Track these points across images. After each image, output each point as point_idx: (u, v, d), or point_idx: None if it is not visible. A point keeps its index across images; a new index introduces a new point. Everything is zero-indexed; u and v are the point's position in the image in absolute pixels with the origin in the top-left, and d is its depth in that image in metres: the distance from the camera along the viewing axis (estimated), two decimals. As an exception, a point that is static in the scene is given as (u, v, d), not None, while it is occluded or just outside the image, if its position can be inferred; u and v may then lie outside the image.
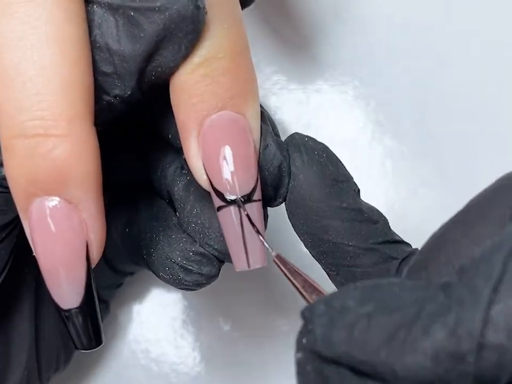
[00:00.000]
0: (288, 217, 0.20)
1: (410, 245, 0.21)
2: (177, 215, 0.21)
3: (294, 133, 0.21)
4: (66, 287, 0.18)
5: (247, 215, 0.19)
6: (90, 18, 0.17)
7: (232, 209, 0.19)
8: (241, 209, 0.19)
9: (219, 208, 0.19)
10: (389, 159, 0.32)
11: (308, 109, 0.33)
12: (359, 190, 0.21)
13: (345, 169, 0.21)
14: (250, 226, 0.19)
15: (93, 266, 0.18)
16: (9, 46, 0.16)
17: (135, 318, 0.31)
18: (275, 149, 0.19)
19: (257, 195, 0.19)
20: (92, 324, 0.19)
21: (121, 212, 0.25)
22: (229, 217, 0.19)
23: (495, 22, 0.34)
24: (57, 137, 0.16)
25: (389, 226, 0.21)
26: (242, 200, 0.18)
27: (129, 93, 0.18)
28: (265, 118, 0.20)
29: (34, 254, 0.18)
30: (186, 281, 0.21)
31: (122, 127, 0.21)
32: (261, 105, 0.20)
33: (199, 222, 0.21)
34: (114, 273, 0.28)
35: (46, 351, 0.26)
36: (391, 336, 0.13)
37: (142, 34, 0.17)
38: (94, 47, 0.17)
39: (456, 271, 0.15)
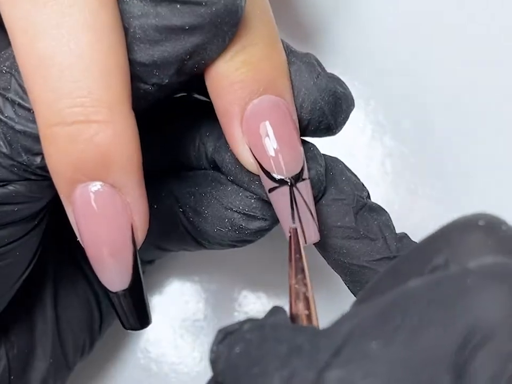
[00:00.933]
0: None
1: None
2: (232, 178, 0.21)
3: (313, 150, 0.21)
4: (114, 270, 0.18)
5: (300, 194, 0.19)
6: (130, 11, 0.17)
7: (283, 189, 0.19)
8: (293, 188, 0.19)
9: (270, 190, 0.19)
10: (389, 159, 0.32)
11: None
12: (364, 204, 0.21)
13: (350, 185, 0.21)
14: (303, 204, 0.19)
15: (138, 248, 0.18)
16: (43, 35, 0.16)
17: (135, 318, 0.31)
18: (326, 78, 0.20)
19: (306, 173, 0.19)
20: (139, 305, 0.19)
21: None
22: (282, 197, 0.19)
23: (495, 22, 0.34)
24: (99, 123, 0.16)
25: (391, 243, 0.21)
26: (293, 180, 0.19)
27: (166, 81, 0.18)
28: (306, 55, 0.20)
29: (79, 239, 0.18)
30: (248, 229, 0.21)
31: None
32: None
33: (258, 179, 0.21)
34: None
35: (70, 338, 0.26)
36: (250, 369, 0.13)
37: (187, 27, 0.17)
38: (134, 38, 0.17)
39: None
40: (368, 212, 0.21)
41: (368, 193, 0.22)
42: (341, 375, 0.12)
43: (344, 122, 0.21)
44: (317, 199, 0.21)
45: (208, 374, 0.32)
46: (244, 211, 0.21)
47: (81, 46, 0.16)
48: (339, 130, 0.21)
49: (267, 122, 0.19)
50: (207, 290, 0.32)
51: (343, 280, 0.21)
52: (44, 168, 0.18)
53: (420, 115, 0.33)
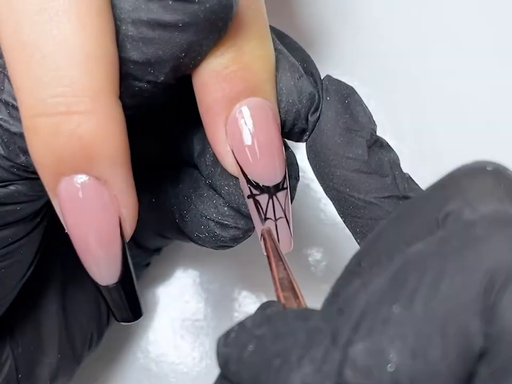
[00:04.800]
0: (308, 157, 0.20)
1: None
2: (209, 180, 0.21)
3: (326, 76, 0.20)
4: (103, 264, 0.18)
5: (279, 202, 0.19)
6: (121, 6, 0.16)
7: (262, 197, 0.19)
8: (273, 197, 0.19)
9: (249, 196, 0.19)
10: (389, 159, 0.32)
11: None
12: (377, 139, 0.20)
13: (367, 117, 0.20)
14: (281, 213, 0.19)
15: (127, 240, 0.18)
16: (27, 21, 0.15)
17: (135, 318, 0.31)
18: (306, 81, 0.19)
19: (287, 182, 0.19)
20: (130, 297, 0.19)
21: (144, 185, 0.25)
22: (259, 206, 0.19)
23: (495, 23, 0.34)
24: (80, 114, 0.16)
25: (403, 182, 0.20)
26: (273, 188, 0.19)
27: (162, 78, 0.17)
28: (288, 54, 0.20)
29: (67, 231, 0.17)
30: (223, 237, 0.21)
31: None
32: (288, 38, 0.20)
33: (231, 183, 0.20)
34: (140, 250, 0.27)
35: (77, 332, 0.26)
36: (269, 363, 0.13)
37: (181, 25, 0.16)
38: (126, 35, 0.16)
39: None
40: (379, 147, 0.20)
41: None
42: (367, 346, 0.12)
43: (312, 129, 0.20)
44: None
45: (208, 373, 0.32)
46: (217, 219, 0.21)
47: (64, 33, 0.15)
48: (308, 137, 0.20)
49: (253, 127, 0.18)
50: (207, 291, 0.32)
51: (341, 215, 0.20)
52: None
53: (420, 115, 0.33)
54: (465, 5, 0.34)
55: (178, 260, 0.32)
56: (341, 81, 0.20)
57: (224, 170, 0.20)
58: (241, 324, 0.14)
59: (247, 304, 0.32)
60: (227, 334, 0.14)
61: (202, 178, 0.21)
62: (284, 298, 0.17)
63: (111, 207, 0.17)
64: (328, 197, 0.20)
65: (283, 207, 0.19)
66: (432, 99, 0.33)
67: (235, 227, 0.21)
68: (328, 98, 0.19)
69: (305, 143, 0.20)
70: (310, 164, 0.20)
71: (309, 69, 0.20)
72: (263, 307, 0.15)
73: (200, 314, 0.32)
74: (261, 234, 0.20)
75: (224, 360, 0.14)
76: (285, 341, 0.13)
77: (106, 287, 0.18)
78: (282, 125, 0.19)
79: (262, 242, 0.20)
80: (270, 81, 0.18)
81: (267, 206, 0.19)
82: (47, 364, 0.24)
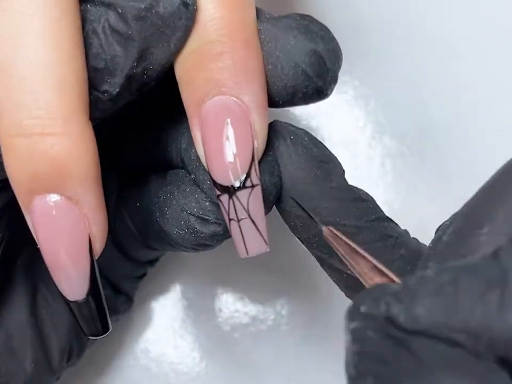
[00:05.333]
0: (276, 206, 0.20)
1: (399, 226, 0.21)
2: (193, 175, 0.21)
3: (273, 121, 0.20)
4: (71, 279, 0.18)
5: (240, 202, 0.18)
6: (84, 16, 0.17)
7: (223, 197, 0.18)
8: (233, 197, 0.18)
9: (217, 197, 0.19)
10: (389, 159, 0.32)
11: (308, 109, 0.33)
12: (344, 171, 0.20)
13: (329, 150, 0.20)
14: (243, 213, 0.19)
15: (96, 257, 0.18)
16: (5, 44, 0.16)
17: (135, 318, 0.31)
18: (303, 40, 0.19)
19: (252, 180, 0.18)
20: (98, 313, 0.19)
21: (132, 195, 0.25)
22: (222, 205, 0.19)
23: (494, 23, 0.34)
24: (54, 135, 0.16)
25: (378, 205, 0.20)
26: (234, 187, 0.18)
27: (117, 89, 0.18)
28: (282, 19, 0.19)
29: (39, 247, 0.18)
30: (203, 233, 0.21)
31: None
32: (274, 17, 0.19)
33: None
34: (131, 262, 0.27)
35: (55, 342, 0.25)
36: (485, 296, 0.13)
37: (130, 32, 0.17)
38: (87, 42, 0.17)
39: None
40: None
41: None
42: None
43: (334, 82, 0.20)
44: (271, 203, 0.20)
45: (208, 373, 0.32)
46: (198, 214, 0.20)
47: (39, 56, 0.16)
48: (330, 92, 0.20)
49: (218, 128, 0.18)
50: (207, 291, 0.32)
51: (323, 255, 0.20)
52: None
53: (419, 115, 0.33)
54: (465, 5, 0.34)
55: (178, 260, 0.32)
56: (290, 124, 0.20)
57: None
58: (414, 279, 0.14)
59: (248, 304, 0.32)
60: (379, 295, 0.14)
61: (187, 174, 0.21)
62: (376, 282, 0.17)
63: (81, 225, 0.18)
64: (308, 237, 0.20)
65: (245, 207, 0.19)
66: (432, 99, 0.33)
67: (216, 222, 0.20)
68: (292, 137, 0.19)
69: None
70: (284, 209, 0.20)
71: (310, 26, 0.20)
72: (379, 288, 0.15)
73: (200, 314, 0.32)
74: (326, 238, 0.19)
75: (409, 317, 0.13)
76: (489, 276, 0.13)
77: (75, 302, 0.19)
78: (294, 91, 0.19)
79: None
80: (239, 77, 0.18)
81: (229, 207, 0.19)
82: (21, 375, 0.24)
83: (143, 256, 0.28)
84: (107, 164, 0.19)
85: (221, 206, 0.19)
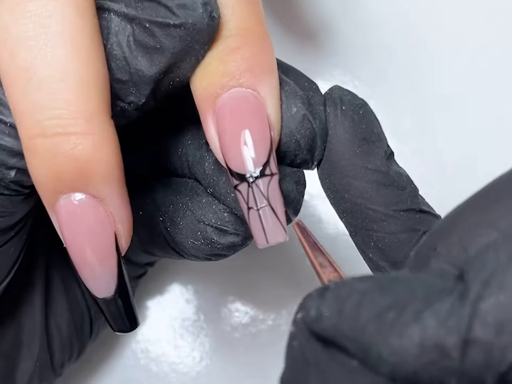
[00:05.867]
0: (317, 169, 0.20)
1: (440, 217, 0.20)
2: (211, 190, 0.21)
3: (333, 86, 0.20)
4: (99, 277, 0.18)
5: (260, 191, 0.19)
6: (108, 26, 0.17)
7: (242, 186, 0.19)
8: (253, 185, 0.18)
9: (235, 187, 0.19)
10: (389, 159, 0.32)
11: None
12: (392, 153, 0.20)
13: (381, 129, 0.20)
14: (264, 201, 0.19)
15: (122, 254, 0.18)
16: (22, 47, 0.16)
17: (135, 318, 0.31)
18: (304, 111, 0.19)
19: (271, 169, 0.19)
20: (127, 309, 0.19)
21: (133, 203, 0.25)
22: (241, 196, 0.19)
23: (495, 21, 0.34)
24: (77, 135, 0.16)
25: (418, 195, 0.20)
26: (254, 176, 0.18)
27: (143, 100, 0.18)
28: (290, 83, 0.19)
29: (65, 246, 0.18)
30: (220, 244, 0.21)
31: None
32: (285, 65, 0.20)
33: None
34: (130, 264, 0.27)
35: (58, 342, 0.26)
36: (381, 315, 0.13)
37: (159, 46, 0.17)
38: (111, 54, 0.17)
39: (464, 256, 0.14)
40: (393, 160, 0.20)
41: None
42: (500, 300, 0.12)
43: (320, 159, 0.20)
44: (297, 212, 0.20)
45: (208, 373, 0.32)
46: (216, 225, 0.21)
47: (58, 58, 0.16)
48: (315, 166, 0.20)
49: (235, 119, 0.18)
50: (207, 291, 0.32)
51: (352, 228, 0.20)
52: (17, 182, 0.18)
53: (420, 115, 0.33)
54: (465, 6, 0.34)
55: (178, 260, 0.32)
56: (352, 92, 0.20)
57: (229, 179, 0.20)
58: (339, 282, 0.14)
59: (248, 304, 0.32)
60: (322, 290, 0.14)
61: (200, 186, 0.21)
62: (328, 281, 0.17)
63: (107, 223, 0.18)
64: (339, 210, 0.20)
65: (265, 195, 0.19)
66: (432, 99, 0.33)
67: (234, 233, 0.21)
68: (343, 108, 0.19)
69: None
70: (320, 175, 0.20)
71: (314, 99, 0.20)
72: (358, 278, 0.14)
73: (200, 314, 0.32)
74: (294, 230, 0.19)
75: (317, 314, 0.14)
76: (397, 294, 0.13)
77: (103, 299, 0.19)
78: (284, 156, 0.19)
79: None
80: (254, 70, 0.18)
81: (248, 195, 0.19)
82: (25, 370, 0.25)
83: (143, 259, 0.28)
84: None
85: (239, 196, 0.19)
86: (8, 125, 0.17)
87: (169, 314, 0.32)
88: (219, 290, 0.32)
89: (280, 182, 0.19)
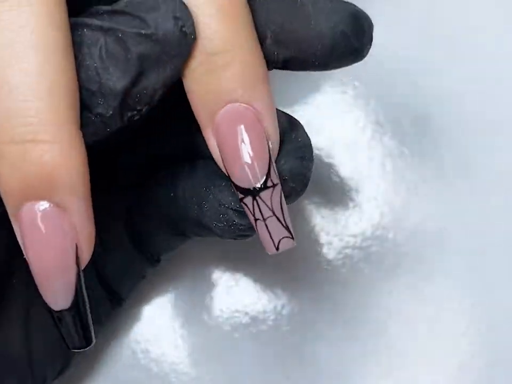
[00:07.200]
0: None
1: None
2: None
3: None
4: (57, 289, 0.18)
5: (264, 203, 0.19)
6: (81, 40, 0.18)
7: (247, 200, 0.19)
8: (257, 198, 0.19)
9: (240, 200, 0.20)
10: (389, 159, 0.32)
11: (308, 108, 0.33)
12: None
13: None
14: (269, 212, 0.19)
15: (82, 267, 0.18)
16: None
17: (135, 318, 0.31)
18: (342, 1, 0.20)
19: (273, 180, 0.19)
20: (82, 324, 0.19)
21: (164, 183, 0.25)
22: (246, 207, 0.20)
23: (495, 21, 0.34)
24: (45, 143, 0.17)
25: None
26: (257, 188, 0.19)
27: (110, 112, 0.18)
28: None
29: (25, 256, 0.18)
30: (241, 225, 0.21)
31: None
32: None
33: None
34: (142, 256, 0.28)
35: (40, 360, 0.25)
36: None
37: (129, 56, 0.17)
38: (82, 65, 0.17)
39: None
40: None
41: None
42: None
43: (370, 43, 0.21)
44: (305, 186, 0.21)
45: (208, 374, 0.32)
46: (236, 207, 0.21)
47: (30, 66, 0.16)
48: (366, 53, 0.21)
49: (232, 135, 0.19)
50: (207, 291, 0.32)
51: None
52: None
53: (420, 115, 0.33)
54: (465, 6, 0.34)
55: (179, 260, 0.32)
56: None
57: None
58: None
59: (248, 304, 0.32)
60: None
61: (219, 169, 0.22)
62: None
63: (68, 234, 0.18)
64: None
65: (270, 206, 0.19)
66: (432, 99, 0.33)
67: None
68: None
69: None
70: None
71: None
72: None
73: (200, 314, 0.32)
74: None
75: None
76: None
77: (59, 312, 0.19)
78: (331, 50, 0.20)
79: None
80: (248, 84, 0.19)
81: (253, 207, 0.20)
82: None
83: (165, 245, 0.28)
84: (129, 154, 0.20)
85: (246, 209, 0.20)
86: None
87: (169, 314, 0.32)
88: (219, 290, 0.32)
89: (285, 161, 0.20)
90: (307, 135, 0.21)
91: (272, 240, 0.20)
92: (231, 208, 0.21)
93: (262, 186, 0.19)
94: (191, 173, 0.23)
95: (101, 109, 0.18)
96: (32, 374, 0.25)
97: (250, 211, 0.20)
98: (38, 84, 0.16)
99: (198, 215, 0.22)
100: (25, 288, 0.25)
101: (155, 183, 0.26)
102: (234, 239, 0.22)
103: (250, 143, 0.19)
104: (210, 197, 0.22)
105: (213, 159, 0.22)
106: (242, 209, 0.21)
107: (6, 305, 0.24)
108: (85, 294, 0.19)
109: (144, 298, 0.32)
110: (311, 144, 0.21)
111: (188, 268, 0.32)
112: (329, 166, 0.32)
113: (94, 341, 0.20)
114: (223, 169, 0.20)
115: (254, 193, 0.19)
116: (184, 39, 0.18)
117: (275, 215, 0.20)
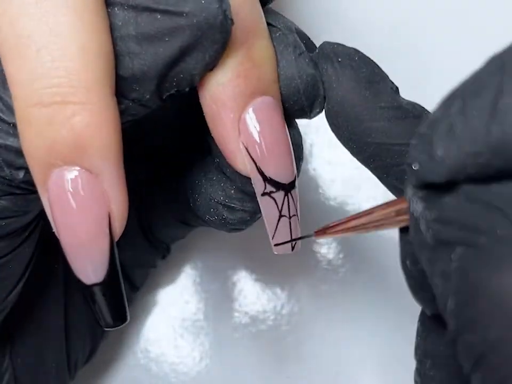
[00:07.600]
0: (331, 128, 0.20)
1: None
2: (217, 159, 0.21)
3: (323, 43, 0.20)
4: (89, 261, 0.17)
5: (293, 199, 0.20)
6: (111, 21, 0.16)
7: (278, 194, 0.19)
8: (289, 195, 0.19)
9: (264, 194, 0.19)
10: (389, 159, 0.32)
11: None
12: (397, 88, 0.20)
13: (380, 68, 0.20)
14: (294, 210, 0.20)
15: (115, 239, 0.17)
16: (22, 15, 0.15)
17: (135, 317, 0.31)
18: (309, 57, 0.19)
19: (296, 182, 0.20)
20: (116, 301, 0.18)
21: (167, 172, 0.25)
22: (273, 203, 0.19)
23: (495, 21, 0.34)
24: (75, 104, 0.15)
25: None
26: (289, 185, 0.19)
27: (147, 97, 0.17)
28: (293, 30, 0.20)
29: (53, 229, 0.17)
30: (231, 219, 0.21)
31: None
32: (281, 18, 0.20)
33: None
34: (152, 248, 0.28)
35: (74, 341, 0.25)
36: (494, 111, 0.13)
37: (167, 39, 0.16)
38: (114, 50, 0.16)
39: None
40: (398, 93, 0.20)
41: None
42: None
43: (321, 108, 0.20)
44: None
45: (208, 373, 0.32)
46: (225, 202, 0.21)
47: (60, 25, 0.15)
48: (314, 115, 0.20)
49: (268, 125, 0.19)
50: (207, 291, 0.32)
51: (382, 172, 0.20)
52: (28, 182, 0.17)
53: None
54: (465, 6, 0.34)
55: (179, 260, 0.32)
56: (341, 44, 0.20)
57: None
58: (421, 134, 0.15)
59: (247, 304, 0.32)
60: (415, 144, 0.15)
61: (213, 160, 0.21)
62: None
63: (101, 201, 0.16)
64: (365, 157, 0.20)
65: (296, 205, 0.20)
66: (432, 99, 0.33)
67: (242, 210, 0.21)
68: (340, 60, 0.19)
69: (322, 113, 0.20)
70: (337, 132, 0.20)
71: (311, 46, 0.20)
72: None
73: (200, 314, 0.32)
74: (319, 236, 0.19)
75: (432, 163, 0.14)
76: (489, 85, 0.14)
77: (91, 286, 0.17)
78: (282, 101, 0.19)
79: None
80: (277, 81, 0.19)
81: (283, 204, 0.19)
82: (44, 374, 0.24)
83: (172, 234, 0.28)
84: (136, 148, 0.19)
85: (271, 203, 0.19)
86: (12, 125, 0.16)
87: (169, 314, 0.32)
88: (219, 290, 0.32)
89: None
90: (300, 135, 0.21)
91: (292, 239, 0.20)
92: (221, 203, 0.21)
93: (294, 184, 0.19)
94: (189, 166, 0.23)
95: (137, 94, 0.17)
96: (68, 361, 0.25)
97: (277, 207, 0.19)
98: (67, 43, 0.15)
99: (193, 207, 0.22)
100: (63, 277, 0.25)
101: (161, 175, 0.26)
102: (228, 231, 0.22)
103: (285, 137, 0.19)
104: (202, 190, 0.22)
105: (206, 153, 0.22)
106: (231, 205, 0.21)
107: (47, 292, 0.24)
108: (119, 268, 0.18)
109: (143, 298, 0.32)
110: (302, 144, 0.21)
111: (187, 270, 0.32)
112: (329, 166, 0.32)
113: (128, 319, 0.19)
114: (245, 168, 0.19)
115: (287, 188, 0.19)
116: (227, 24, 0.16)
117: (297, 215, 0.20)
